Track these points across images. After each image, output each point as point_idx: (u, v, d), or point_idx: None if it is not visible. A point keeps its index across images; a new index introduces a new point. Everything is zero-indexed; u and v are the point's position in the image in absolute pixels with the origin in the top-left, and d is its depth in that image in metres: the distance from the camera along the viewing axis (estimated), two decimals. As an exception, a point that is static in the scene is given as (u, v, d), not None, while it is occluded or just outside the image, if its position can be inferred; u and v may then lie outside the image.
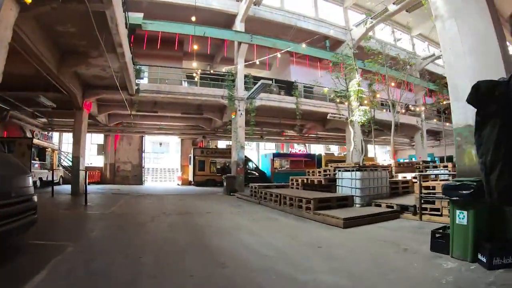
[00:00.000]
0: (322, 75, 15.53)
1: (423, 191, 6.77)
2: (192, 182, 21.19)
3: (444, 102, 21.38)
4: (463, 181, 3.94)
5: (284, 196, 8.76)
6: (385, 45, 15.55)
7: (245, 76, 15.90)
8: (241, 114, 15.27)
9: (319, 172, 11.50)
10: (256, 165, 22.42)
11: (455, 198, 3.95)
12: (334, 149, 34.10)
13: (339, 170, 8.86)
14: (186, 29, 14.02)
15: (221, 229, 6.02)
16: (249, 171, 19.99)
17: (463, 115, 4.60)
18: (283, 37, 16.83)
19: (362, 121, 9.07)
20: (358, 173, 8.02)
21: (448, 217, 6.22)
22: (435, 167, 11.57)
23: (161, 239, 5.08)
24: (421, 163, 12.22)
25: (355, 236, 5.39)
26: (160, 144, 36.14)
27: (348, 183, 8.33)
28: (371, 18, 16.47)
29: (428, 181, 7.61)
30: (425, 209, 6.68)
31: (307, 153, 25.71)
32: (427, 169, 11.85)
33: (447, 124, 25.21)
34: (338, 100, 16.54)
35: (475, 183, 3.76)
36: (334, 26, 18.99)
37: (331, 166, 10.81)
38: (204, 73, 17.14)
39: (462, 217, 3.85)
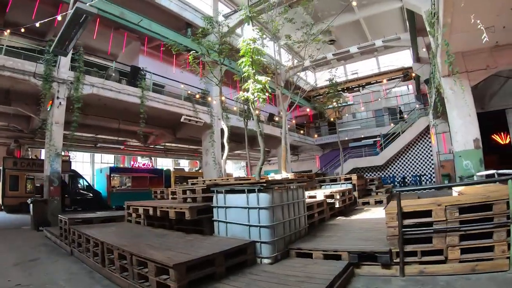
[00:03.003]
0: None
1: (392, 222, 3.35)
2: (2, 207, 15.05)
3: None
4: None
5: (110, 248, 4.00)
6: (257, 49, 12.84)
7: (75, 51, 10.32)
8: (61, 103, 9.84)
9: (174, 194, 6.97)
10: (88, 183, 16.95)
11: None
12: (184, 164, 30.24)
13: (218, 192, 4.58)
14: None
15: None
16: (78, 191, 15.64)
17: None
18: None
19: (258, 99, 5.25)
20: (264, 197, 3.97)
21: (460, 262, 3.23)
22: (334, 180, 8.99)
23: None
24: (314, 176, 9.48)
25: None
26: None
27: (241, 216, 4.15)
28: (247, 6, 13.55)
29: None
30: (410, 254, 3.39)
31: (153, 168, 21.48)
32: (322, 184, 9.21)
33: (316, 136, 25.51)
34: (198, 96, 13.85)
35: None
36: (201, 14, 15.56)
37: (195, 183, 6.55)
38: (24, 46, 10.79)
39: None
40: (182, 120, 13.18)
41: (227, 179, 6.36)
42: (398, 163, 19.40)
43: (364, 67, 23.09)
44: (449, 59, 6.70)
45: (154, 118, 13.46)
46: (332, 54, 19.29)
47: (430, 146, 18.10)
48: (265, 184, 4.03)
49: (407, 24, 18.47)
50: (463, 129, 8.13)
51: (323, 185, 9.13)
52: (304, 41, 11.00)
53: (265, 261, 3.79)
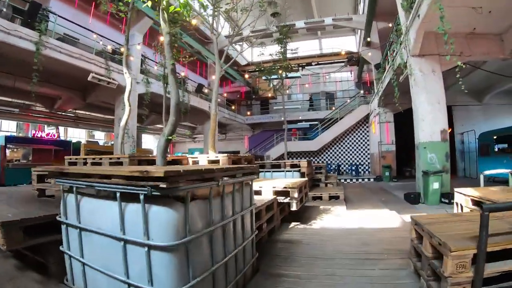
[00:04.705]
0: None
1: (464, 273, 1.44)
2: None
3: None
4: None
5: None
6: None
7: None
8: None
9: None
10: (-23, 156, 13.21)
11: None
12: (100, 137, 26.26)
13: (65, 191, 2.00)
14: None
15: None
16: None
17: None
18: None
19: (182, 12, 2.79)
20: (163, 216, 1.60)
21: None
22: (276, 166, 7.07)
23: None
24: (253, 159, 7.42)
25: None
26: None
27: (111, 255, 1.71)
28: None
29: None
30: None
31: (59, 140, 17.78)
32: (261, 170, 7.22)
33: (248, 113, 23.45)
34: (109, 47, 11.48)
35: None
36: None
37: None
38: None
39: None
40: (89, 78, 10.30)
41: (118, 158, 3.78)
42: (333, 150, 18.76)
43: (305, 48, 21.80)
44: (445, 27, 5.23)
45: (59, 76, 11.18)
46: (275, 26, 17.30)
47: (368, 135, 17.71)
48: (164, 185, 1.56)
49: (360, 6, 17.57)
50: (430, 118, 6.99)
51: (263, 171, 7.16)
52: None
53: None
